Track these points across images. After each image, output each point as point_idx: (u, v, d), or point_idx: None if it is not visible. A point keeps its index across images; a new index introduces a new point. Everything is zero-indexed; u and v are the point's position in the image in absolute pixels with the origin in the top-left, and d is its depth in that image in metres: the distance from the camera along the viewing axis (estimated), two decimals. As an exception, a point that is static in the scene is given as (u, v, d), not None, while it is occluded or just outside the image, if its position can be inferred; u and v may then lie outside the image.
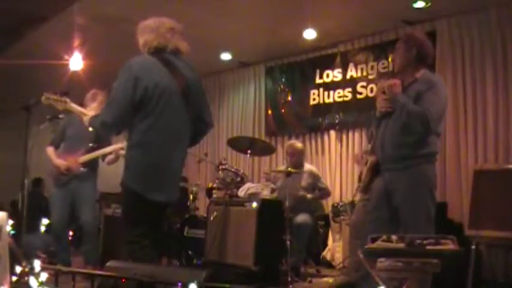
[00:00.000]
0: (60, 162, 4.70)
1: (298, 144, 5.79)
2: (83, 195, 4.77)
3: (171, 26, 3.22)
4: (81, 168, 4.69)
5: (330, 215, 5.75)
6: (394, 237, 2.77)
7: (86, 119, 3.34)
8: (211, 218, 4.89)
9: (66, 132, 4.90)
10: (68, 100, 3.81)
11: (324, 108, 6.98)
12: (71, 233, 5.09)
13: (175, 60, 3.16)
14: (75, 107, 3.83)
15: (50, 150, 4.86)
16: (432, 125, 3.26)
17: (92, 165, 4.80)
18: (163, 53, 3.14)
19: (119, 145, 4.56)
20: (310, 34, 6.44)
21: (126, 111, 2.98)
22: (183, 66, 3.19)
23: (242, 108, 8.14)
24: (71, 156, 4.73)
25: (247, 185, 5.33)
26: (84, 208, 4.76)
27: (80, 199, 4.76)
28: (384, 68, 6.33)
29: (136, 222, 3.08)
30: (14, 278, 2.47)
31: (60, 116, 4.84)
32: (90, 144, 4.69)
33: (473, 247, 4.08)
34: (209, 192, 5.55)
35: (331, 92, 6.90)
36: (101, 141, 4.69)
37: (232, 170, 5.29)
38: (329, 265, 5.90)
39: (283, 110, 7.50)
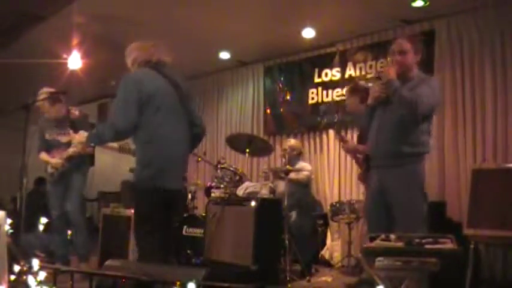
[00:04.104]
0: (53, 160, 4.95)
1: (291, 141, 6.06)
2: (70, 186, 4.98)
3: (154, 43, 3.53)
4: (66, 164, 4.90)
5: (329, 214, 5.75)
6: (392, 236, 2.78)
7: (79, 139, 3.57)
8: (210, 217, 4.89)
9: (45, 136, 5.09)
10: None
11: (322, 108, 6.98)
12: (69, 232, 5.10)
13: (164, 70, 3.47)
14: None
15: (43, 155, 5.06)
16: (420, 111, 3.34)
17: (79, 158, 4.91)
18: (150, 65, 3.44)
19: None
20: (308, 33, 6.44)
21: (134, 118, 3.23)
22: (174, 74, 3.50)
23: (241, 107, 8.13)
24: (56, 154, 4.89)
25: (246, 184, 5.33)
26: (69, 197, 4.95)
27: (68, 189, 4.97)
28: (383, 67, 6.32)
29: (148, 215, 3.30)
30: (13, 277, 2.47)
31: None
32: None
33: (471, 246, 4.08)
34: (208, 191, 5.55)
35: (330, 91, 6.90)
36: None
37: (231, 169, 5.29)
38: (328, 264, 5.91)
39: (281, 109, 7.50)
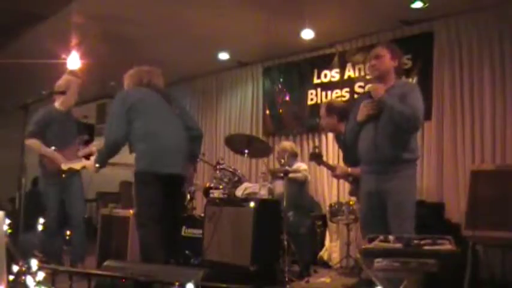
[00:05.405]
0: (62, 160, 4.70)
1: (283, 143, 6.17)
2: (72, 189, 4.94)
3: (147, 69, 4.01)
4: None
5: (327, 215, 5.75)
6: (391, 237, 2.78)
7: (91, 163, 3.98)
8: (209, 218, 4.89)
9: (49, 126, 4.85)
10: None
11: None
12: (68, 232, 5.10)
13: (154, 87, 3.94)
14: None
15: (36, 143, 4.73)
16: (420, 123, 3.58)
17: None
18: (141, 85, 3.92)
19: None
20: (308, 34, 6.43)
21: (120, 130, 3.69)
22: (163, 89, 3.99)
23: (240, 108, 8.13)
24: (66, 153, 4.78)
25: (245, 184, 5.32)
26: (75, 200, 4.92)
27: (69, 193, 4.92)
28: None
29: (151, 201, 3.60)
30: (11, 278, 2.47)
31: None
32: (84, 137, 4.79)
33: (470, 247, 4.08)
34: (206, 191, 5.54)
35: (329, 92, 6.89)
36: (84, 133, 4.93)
37: (230, 169, 5.28)
38: (326, 265, 5.90)
39: (280, 110, 7.49)
